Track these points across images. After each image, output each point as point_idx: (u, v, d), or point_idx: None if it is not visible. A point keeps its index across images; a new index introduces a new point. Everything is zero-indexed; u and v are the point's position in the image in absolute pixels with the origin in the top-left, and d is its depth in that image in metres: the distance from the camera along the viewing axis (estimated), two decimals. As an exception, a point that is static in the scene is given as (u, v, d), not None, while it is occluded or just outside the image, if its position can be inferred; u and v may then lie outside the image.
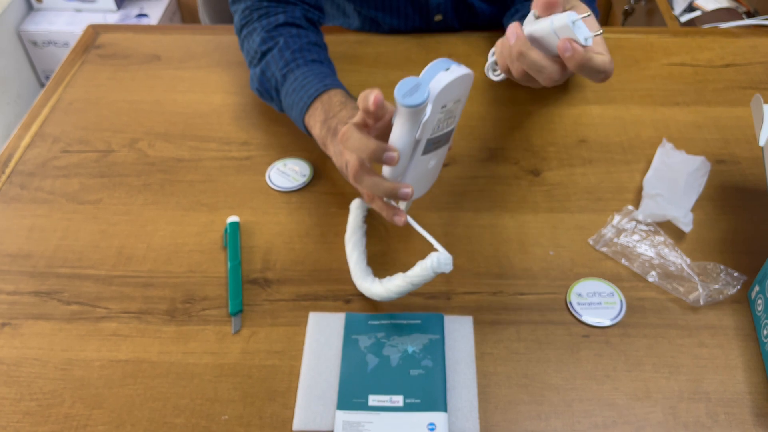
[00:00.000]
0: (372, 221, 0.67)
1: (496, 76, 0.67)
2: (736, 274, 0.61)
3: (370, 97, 0.52)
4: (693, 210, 0.68)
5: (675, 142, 0.75)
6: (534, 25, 0.58)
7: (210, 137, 0.79)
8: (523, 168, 0.74)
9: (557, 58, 0.58)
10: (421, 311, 0.60)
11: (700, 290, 0.60)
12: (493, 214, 0.69)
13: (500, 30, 0.90)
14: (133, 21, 2.01)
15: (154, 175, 0.74)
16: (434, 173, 0.62)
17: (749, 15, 1.16)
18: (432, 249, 0.56)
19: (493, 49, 0.66)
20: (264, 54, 0.74)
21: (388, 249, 0.66)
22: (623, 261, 0.64)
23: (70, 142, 0.78)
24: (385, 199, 0.59)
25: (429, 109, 0.51)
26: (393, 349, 0.57)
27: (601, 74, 0.57)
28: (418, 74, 0.52)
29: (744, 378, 0.55)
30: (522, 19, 0.74)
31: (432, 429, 0.52)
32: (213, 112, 0.82)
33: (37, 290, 0.63)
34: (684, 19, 1.24)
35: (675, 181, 0.69)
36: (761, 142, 0.61)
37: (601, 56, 0.57)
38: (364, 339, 0.58)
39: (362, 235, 0.64)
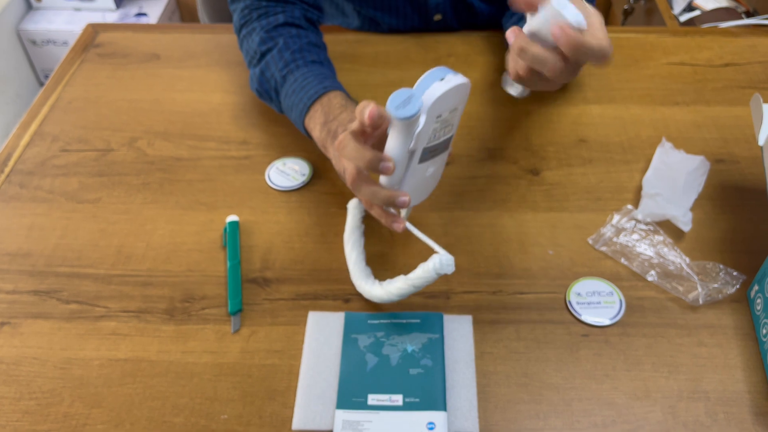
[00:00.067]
0: (371, 222, 0.67)
1: (514, 90, 0.65)
2: (735, 273, 0.61)
3: (366, 111, 0.52)
4: (692, 209, 0.68)
5: (674, 141, 0.75)
6: (530, 22, 0.58)
7: (209, 136, 0.79)
8: (522, 167, 0.74)
9: (557, 49, 0.57)
10: (420, 310, 0.60)
11: (700, 289, 0.60)
12: (493, 213, 0.69)
13: (499, 30, 0.90)
14: (132, 20, 2.00)
15: (154, 174, 0.74)
16: (434, 180, 0.62)
17: (748, 14, 1.16)
18: (432, 250, 0.56)
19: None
20: (263, 54, 0.74)
21: (387, 249, 0.66)
22: (622, 260, 0.64)
23: (69, 141, 0.78)
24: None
25: (423, 120, 0.51)
26: (392, 349, 0.57)
27: (598, 55, 0.56)
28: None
29: (743, 377, 0.55)
30: (520, 20, 0.74)
31: (431, 428, 0.52)
32: (212, 111, 0.82)
33: (37, 289, 0.63)
34: (683, 18, 1.25)
35: (674, 181, 0.69)
36: (760, 142, 0.61)
37: (595, 38, 0.56)
38: (363, 338, 0.58)
39: (360, 235, 0.64)
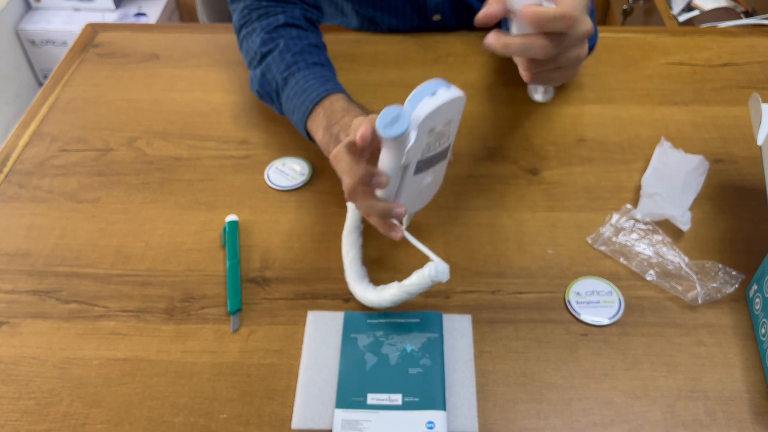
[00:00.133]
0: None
1: (540, 95, 0.65)
2: (734, 272, 0.61)
3: (358, 132, 0.52)
4: (691, 209, 0.68)
5: (673, 141, 0.75)
6: (512, 21, 0.59)
7: (209, 136, 0.79)
8: (521, 167, 0.74)
9: (537, 35, 0.57)
10: (419, 310, 0.60)
11: (699, 289, 0.60)
12: (492, 213, 0.69)
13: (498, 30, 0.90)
14: (132, 20, 2.00)
15: (153, 173, 0.74)
16: (433, 187, 0.62)
17: (747, 14, 1.16)
18: (427, 258, 0.56)
19: None
20: (264, 56, 0.74)
21: (387, 251, 0.66)
22: (622, 260, 0.64)
23: (68, 141, 0.78)
24: None
25: (413, 136, 0.51)
26: (392, 348, 0.57)
27: (564, 21, 0.55)
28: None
29: (742, 376, 0.55)
30: None
31: (431, 427, 0.52)
32: (212, 111, 0.82)
33: (36, 289, 0.63)
34: (682, 18, 1.25)
35: (673, 180, 0.69)
36: (759, 141, 0.62)
37: (561, 5, 0.55)
38: (362, 338, 0.58)
39: (359, 235, 0.64)
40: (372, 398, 0.54)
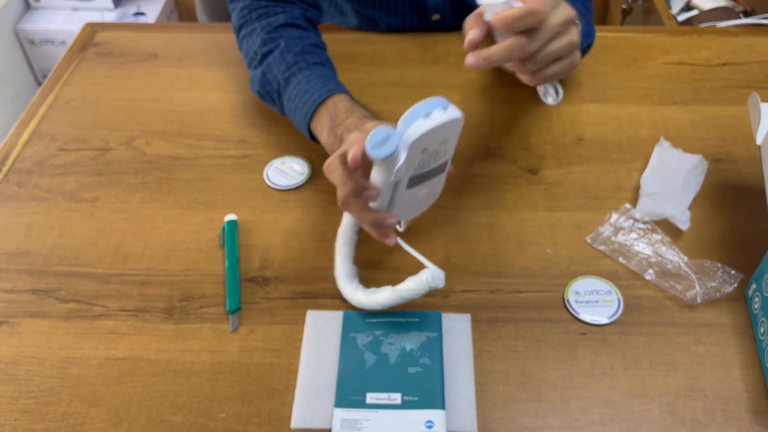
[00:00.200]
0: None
1: (551, 99, 0.64)
2: (733, 272, 0.61)
3: (349, 154, 0.53)
4: (690, 208, 0.68)
5: (672, 140, 0.75)
6: (495, 34, 0.59)
7: (208, 135, 0.79)
8: (521, 167, 0.74)
9: (514, 36, 0.57)
10: (419, 309, 0.60)
11: (698, 288, 0.60)
12: (491, 212, 0.69)
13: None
14: (131, 19, 2.00)
15: (152, 173, 0.74)
16: (430, 198, 0.62)
17: (746, 14, 1.16)
18: (418, 258, 0.56)
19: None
20: (265, 56, 0.74)
21: (381, 251, 0.66)
22: (621, 259, 0.64)
23: (67, 141, 0.78)
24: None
25: (402, 157, 0.52)
26: (391, 347, 0.57)
27: (530, 18, 0.55)
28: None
29: (741, 375, 0.56)
30: None
31: (430, 426, 0.52)
32: (211, 111, 0.82)
33: (35, 288, 0.63)
34: (681, 18, 1.25)
35: (672, 180, 0.69)
36: (758, 141, 0.62)
37: (526, 3, 0.56)
38: (362, 337, 0.58)
39: (354, 233, 0.64)
40: (371, 397, 0.54)
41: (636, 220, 0.66)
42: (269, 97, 0.75)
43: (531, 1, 0.56)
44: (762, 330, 0.57)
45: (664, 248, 0.64)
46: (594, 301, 0.61)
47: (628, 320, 0.59)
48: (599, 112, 0.80)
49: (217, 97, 0.84)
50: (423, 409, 0.53)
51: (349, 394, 0.54)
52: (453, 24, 0.92)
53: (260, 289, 0.63)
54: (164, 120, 0.81)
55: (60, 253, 0.66)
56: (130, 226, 0.69)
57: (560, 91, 0.63)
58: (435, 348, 0.57)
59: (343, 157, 0.56)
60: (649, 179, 0.70)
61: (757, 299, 0.58)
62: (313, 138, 0.71)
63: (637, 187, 0.70)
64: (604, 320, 0.59)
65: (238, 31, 0.79)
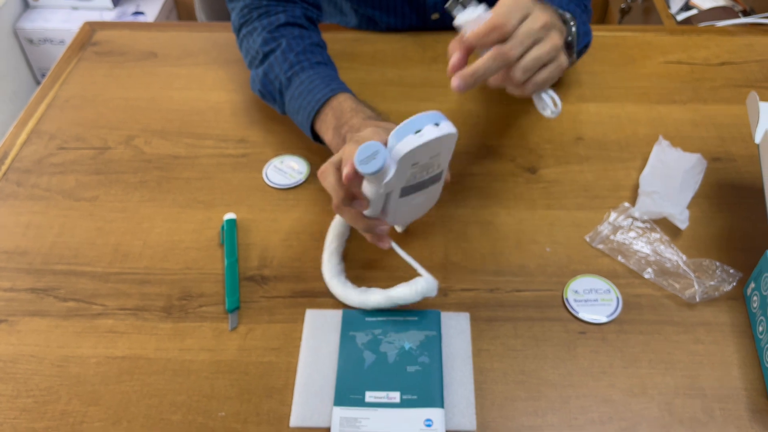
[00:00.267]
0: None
1: (549, 111, 0.64)
2: (731, 270, 0.61)
3: (343, 171, 0.54)
4: (689, 207, 0.68)
5: (671, 139, 0.75)
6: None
7: (207, 134, 0.79)
8: (520, 165, 0.74)
9: (491, 53, 0.58)
10: (418, 308, 0.60)
11: (696, 287, 0.60)
12: (490, 211, 0.69)
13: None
14: (130, 18, 2.00)
15: (151, 172, 0.74)
16: (426, 204, 0.62)
17: (745, 13, 1.16)
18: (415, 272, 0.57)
19: (542, 92, 0.64)
20: (266, 55, 0.74)
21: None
22: (619, 258, 0.64)
23: (66, 140, 0.78)
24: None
25: (392, 170, 0.52)
26: (390, 346, 0.57)
27: (495, 33, 0.56)
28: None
29: (739, 374, 0.56)
30: None
31: (429, 425, 0.52)
32: (210, 110, 0.82)
33: (34, 287, 0.63)
34: (680, 17, 1.25)
35: (671, 179, 0.69)
36: (757, 140, 0.62)
37: (493, 15, 0.57)
38: (361, 336, 0.58)
39: (346, 228, 0.65)
40: (370, 396, 0.54)
41: (635, 219, 0.66)
42: (270, 96, 0.75)
43: (496, 13, 0.57)
44: (760, 329, 0.57)
45: (662, 247, 0.64)
46: (593, 299, 0.61)
47: (627, 319, 0.59)
48: (598, 111, 0.80)
49: (216, 96, 0.84)
50: (422, 407, 0.53)
51: (348, 393, 0.54)
52: (452, 23, 0.92)
53: (259, 287, 0.63)
54: (163, 119, 0.81)
55: (59, 252, 0.66)
56: (129, 225, 0.68)
57: (558, 102, 0.63)
58: (434, 347, 0.57)
59: (336, 165, 0.57)
60: (647, 178, 0.70)
61: (755, 298, 0.58)
62: (316, 137, 0.71)
63: (636, 186, 0.70)
64: (603, 319, 0.59)
65: (238, 30, 0.79)
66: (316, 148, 0.74)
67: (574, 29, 0.72)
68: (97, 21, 0.98)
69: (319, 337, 0.58)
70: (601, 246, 0.65)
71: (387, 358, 0.56)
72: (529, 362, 0.57)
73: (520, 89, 0.60)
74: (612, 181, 0.72)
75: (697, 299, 0.60)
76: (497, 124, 0.79)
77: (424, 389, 0.54)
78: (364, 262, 0.64)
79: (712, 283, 0.61)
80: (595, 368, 0.56)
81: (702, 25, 1.14)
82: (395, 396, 0.54)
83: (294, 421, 0.53)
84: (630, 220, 0.66)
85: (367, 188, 0.55)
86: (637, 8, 1.45)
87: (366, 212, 0.58)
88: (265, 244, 0.66)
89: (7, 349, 0.58)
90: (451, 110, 0.80)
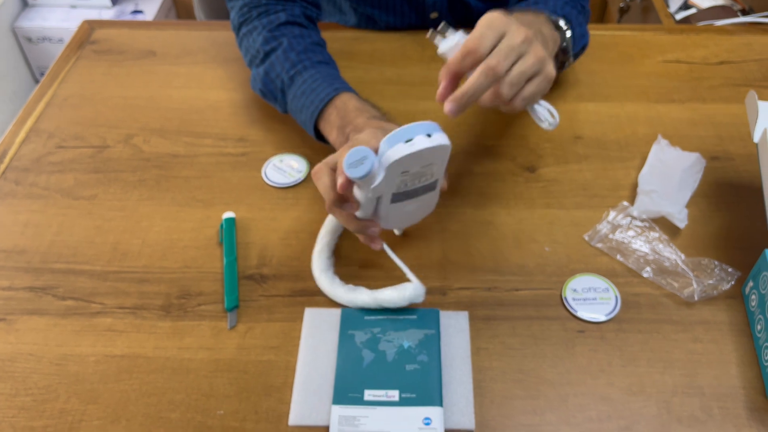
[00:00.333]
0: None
1: (546, 124, 0.64)
2: (730, 269, 0.62)
3: (338, 180, 0.54)
4: (687, 206, 0.68)
5: (670, 138, 0.75)
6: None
7: (206, 133, 0.78)
8: (519, 164, 0.74)
9: (479, 69, 0.58)
10: (416, 307, 0.60)
11: (695, 286, 0.60)
12: (489, 210, 0.69)
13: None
14: (129, 17, 2.00)
15: (150, 170, 0.74)
16: (422, 211, 0.62)
17: (744, 12, 1.16)
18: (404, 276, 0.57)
19: (536, 104, 0.63)
20: (267, 54, 0.74)
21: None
22: (618, 257, 0.64)
23: (65, 138, 0.78)
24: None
25: (380, 177, 0.53)
26: (389, 345, 0.57)
27: (469, 57, 0.57)
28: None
29: (738, 373, 0.56)
30: None
31: (427, 423, 0.52)
32: (209, 108, 0.82)
33: (32, 286, 0.63)
34: (679, 16, 1.25)
35: (670, 178, 0.69)
36: (755, 139, 0.62)
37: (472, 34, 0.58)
38: (359, 334, 0.58)
39: (340, 225, 0.65)
40: (369, 394, 0.54)
41: (634, 218, 0.66)
42: (272, 95, 0.75)
43: (468, 38, 0.57)
44: (759, 327, 0.57)
45: (661, 246, 0.64)
46: (591, 298, 0.61)
47: (626, 318, 0.60)
48: (597, 110, 0.80)
49: (215, 95, 0.84)
50: (421, 406, 0.53)
51: (347, 392, 0.54)
52: (451, 22, 0.92)
53: (258, 286, 0.63)
54: (162, 117, 0.81)
55: (57, 251, 0.66)
56: (127, 223, 0.68)
57: (555, 114, 0.62)
58: (433, 345, 0.57)
59: (330, 166, 0.57)
60: (646, 177, 0.70)
61: (753, 297, 0.58)
62: (319, 136, 0.71)
63: (635, 185, 0.70)
64: (602, 318, 0.59)
65: (237, 28, 0.79)
66: (315, 147, 0.74)
67: (568, 35, 0.72)
68: (95, 19, 0.97)
69: (317, 335, 0.58)
70: (599, 245, 0.65)
71: (386, 356, 0.56)
72: (527, 361, 0.57)
73: (510, 106, 0.60)
74: (611, 180, 0.72)
75: (696, 298, 0.60)
76: (496, 123, 0.79)
77: (423, 388, 0.54)
78: (362, 260, 0.64)
79: (710, 281, 0.61)
80: (593, 367, 0.56)
81: (701, 24, 1.14)
82: (394, 394, 0.54)
83: (293, 419, 0.53)
84: (629, 219, 0.66)
85: (356, 191, 0.56)
86: (636, 7, 1.45)
87: (358, 214, 0.58)
88: (264, 242, 0.66)
89: (5, 347, 0.58)
90: (450, 109, 0.80)
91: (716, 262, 0.62)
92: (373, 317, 0.59)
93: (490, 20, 0.58)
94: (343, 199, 0.57)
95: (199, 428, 0.53)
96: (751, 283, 0.59)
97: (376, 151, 0.53)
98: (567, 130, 0.78)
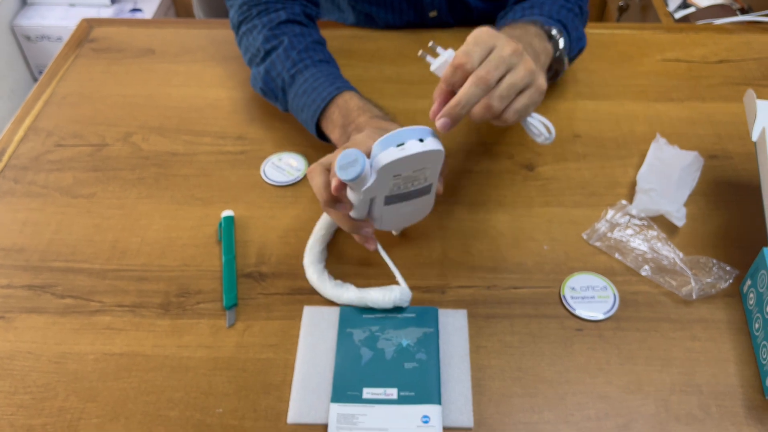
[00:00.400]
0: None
1: (541, 138, 0.63)
2: (728, 268, 0.62)
3: (332, 183, 0.55)
4: (686, 205, 0.68)
5: (668, 137, 0.75)
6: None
7: (205, 131, 0.78)
8: (517, 163, 0.74)
9: (470, 79, 0.57)
10: (415, 305, 0.60)
11: (693, 284, 0.60)
12: (488, 208, 0.69)
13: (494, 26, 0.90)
14: (127, 15, 2.00)
15: (149, 169, 0.74)
16: (418, 213, 0.63)
17: (743, 11, 1.16)
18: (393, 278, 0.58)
19: (530, 118, 0.63)
20: (268, 53, 0.74)
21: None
22: (617, 255, 0.64)
23: (63, 136, 0.78)
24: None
25: (372, 180, 0.53)
26: (387, 343, 0.57)
27: (457, 72, 0.57)
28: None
29: (736, 371, 0.56)
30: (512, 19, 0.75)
31: (426, 421, 0.52)
32: (208, 107, 0.82)
33: (31, 284, 0.63)
34: (678, 15, 1.25)
35: (668, 176, 0.69)
36: (754, 138, 0.62)
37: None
38: (358, 332, 0.58)
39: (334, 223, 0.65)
40: (367, 392, 0.54)
41: (632, 217, 0.66)
42: (272, 94, 0.75)
43: (457, 54, 0.57)
44: (757, 326, 0.57)
45: (659, 244, 0.64)
46: (590, 296, 0.61)
47: (624, 316, 0.60)
48: (595, 108, 0.80)
49: (214, 93, 0.84)
50: (419, 404, 0.53)
51: (345, 390, 0.54)
52: (450, 20, 0.92)
53: (257, 284, 0.63)
54: (161, 116, 0.81)
55: (56, 249, 0.66)
56: (126, 221, 0.68)
57: (551, 128, 0.62)
58: (431, 343, 0.57)
59: (325, 166, 0.57)
60: (645, 176, 0.70)
61: (752, 295, 0.58)
62: (320, 135, 0.71)
63: (633, 184, 0.71)
64: (600, 316, 0.59)
65: (237, 27, 0.79)
66: (314, 146, 0.74)
67: (561, 45, 0.72)
68: (94, 18, 0.97)
69: (316, 333, 0.58)
70: (598, 243, 0.65)
71: (384, 354, 0.56)
72: (526, 359, 0.57)
73: (502, 119, 0.59)
74: (609, 179, 0.72)
75: (694, 296, 0.60)
76: (495, 121, 0.79)
77: (422, 386, 0.54)
78: (358, 258, 0.64)
79: (708, 280, 0.61)
80: (591, 365, 0.56)
81: (700, 23, 1.14)
82: (392, 392, 0.54)
83: (291, 417, 0.53)
84: (627, 217, 0.66)
85: (350, 192, 0.56)
86: (635, 6, 1.45)
87: (351, 214, 0.58)
88: (263, 241, 0.66)
89: (4, 345, 0.58)
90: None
91: (714, 261, 0.62)
92: (371, 315, 0.59)
93: (478, 35, 0.58)
94: (336, 200, 0.57)
95: (198, 426, 0.53)
96: (749, 282, 0.60)
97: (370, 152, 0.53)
98: (566, 128, 0.78)
